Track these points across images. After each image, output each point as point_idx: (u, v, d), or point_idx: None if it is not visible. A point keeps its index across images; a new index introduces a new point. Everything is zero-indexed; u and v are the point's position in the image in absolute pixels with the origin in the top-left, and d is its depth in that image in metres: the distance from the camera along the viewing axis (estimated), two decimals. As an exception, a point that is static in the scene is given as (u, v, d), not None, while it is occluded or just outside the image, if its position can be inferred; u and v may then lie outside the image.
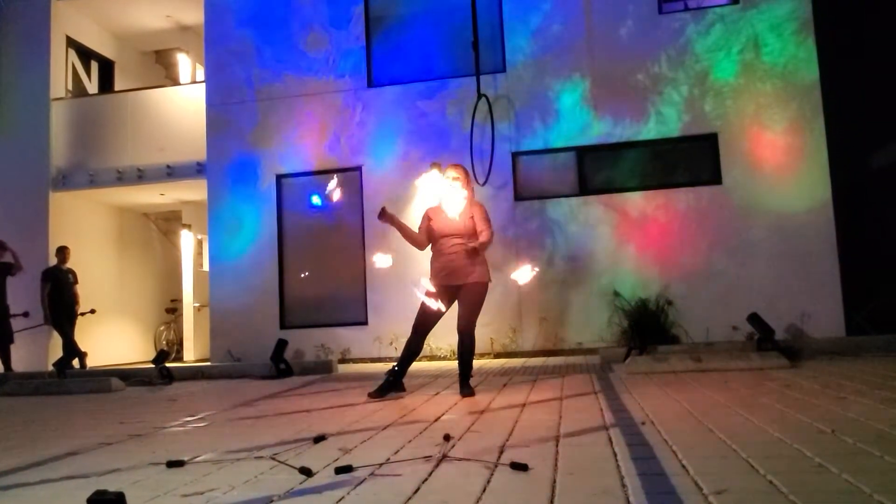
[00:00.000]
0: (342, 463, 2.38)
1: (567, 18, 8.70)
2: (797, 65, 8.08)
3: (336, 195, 5.85)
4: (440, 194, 4.76)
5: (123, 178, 10.21)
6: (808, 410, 3.13)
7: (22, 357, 9.05)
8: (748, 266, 7.89)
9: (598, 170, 8.52)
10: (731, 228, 8.00)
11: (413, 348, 4.59)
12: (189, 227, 11.30)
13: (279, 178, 9.35)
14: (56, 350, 9.14)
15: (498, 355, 8.18)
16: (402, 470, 2.31)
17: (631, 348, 6.31)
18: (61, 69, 10.80)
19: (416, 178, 8.00)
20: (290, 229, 9.33)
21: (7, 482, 2.49)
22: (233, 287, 9.25)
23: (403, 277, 8.54)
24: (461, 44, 8.83)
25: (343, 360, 8.46)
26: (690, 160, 8.38)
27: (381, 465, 2.39)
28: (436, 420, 3.44)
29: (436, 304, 4.45)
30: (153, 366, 7.14)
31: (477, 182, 8.08)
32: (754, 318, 6.18)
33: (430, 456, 2.48)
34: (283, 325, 9.00)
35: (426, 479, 2.16)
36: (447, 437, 2.77)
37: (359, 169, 9.03)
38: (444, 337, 7.05)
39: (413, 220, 5.27)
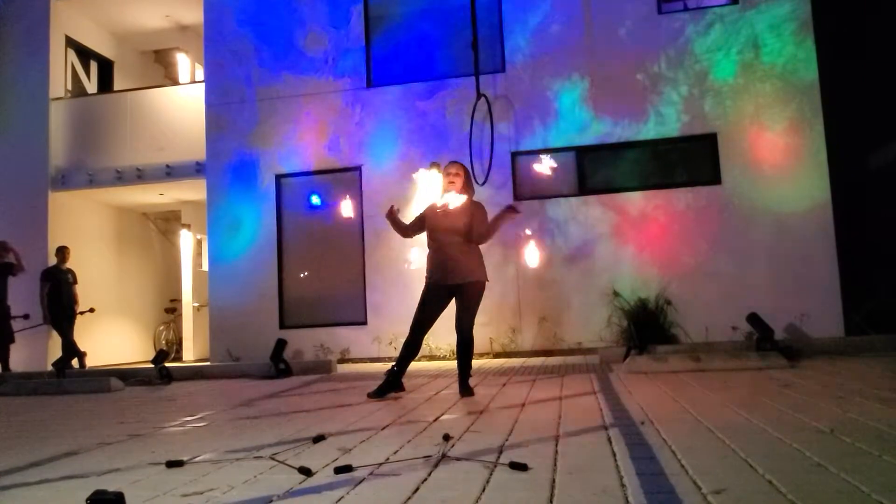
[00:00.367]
0: (341, 463, 2.38)
1: (566, 18, 8.70)
2: (796, 65, 8.08)
3: (345, 209, 5.83)
4: (439, 192, 4.75)
5: (123, 177, 10.21)
6: (807, 410, 3.14)
7: (21, 357, 9.05)
8: (747, 266, 7.89)
9: (597, 170, 8.52)
10: (730, 228, 8.00)
11: (411, 348, 4.58)
12: (188, 226, 11.30)
13: (278, 177, 9.34)
14: (55, 350, 9.14)
15: (497, 355, 8.18)
16: (402, 470, 2.31)
17: (630, 348, 6.31)
18: (60, 69, 10.80)
19: (416, 173, 8.12)
20: (289, 229, 9.33)
21: (6, 482, 2.49)
22: (232, 287, 9.25)
23: (403, 277, 8.57)
24: (461, 44, 8.83)
25: (342, 360, 8.46)
26: (690, 160, 8.39)
27: (380, 464, 2.39)
28: (435, 420, 3.44)
29: (433, 301, 4.46)
30: (152, 366, 7.14)
31: (476, 182, 8.08)
32: (753, 318, 6.18)
33: (430, 456, 2.48)
34: (282, 325, 9.00)
35: (425, 479, 2.16)
36: (446, 437, 2.77)
37: (358, 169, 9.03)
38: (443, 337, 7.05)
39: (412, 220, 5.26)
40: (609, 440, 2.67)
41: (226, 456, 2.74)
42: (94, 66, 11.69)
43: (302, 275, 9.26)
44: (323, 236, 9.22)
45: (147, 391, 6.24)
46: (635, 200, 8.29)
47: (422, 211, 4.82)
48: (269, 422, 3.77)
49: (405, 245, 8.29)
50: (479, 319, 4.61)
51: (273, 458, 2.55)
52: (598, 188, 8.43)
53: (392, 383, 4.57)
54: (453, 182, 4.60)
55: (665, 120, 8.32)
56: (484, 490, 2.00)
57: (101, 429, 3.79)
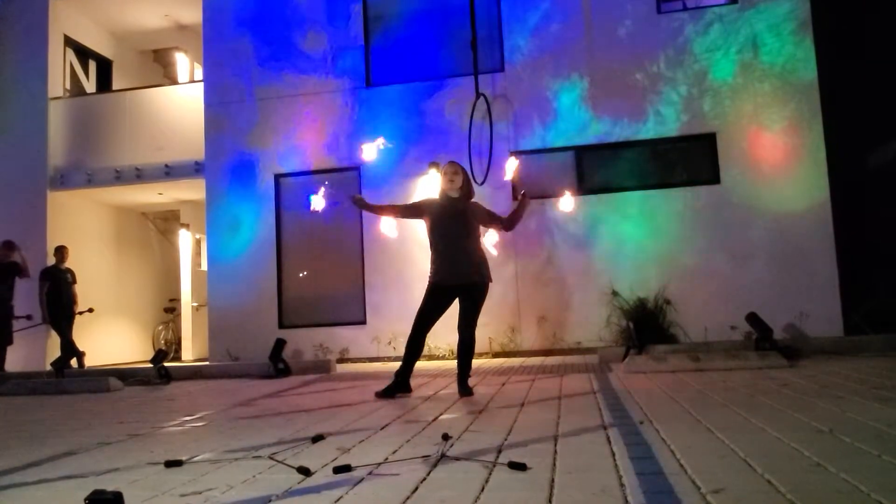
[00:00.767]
0: (340, 462, 2.38)
1: (566, 18, 8.70)
2: (795, 64, 8.09)
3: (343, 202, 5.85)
4: (438, 191, 4.74)
5: (121, 177, 10.20)
6: (806, 410, 3.14)
7: (20, 357, 9.04)
8: (746, 265, 7.89)
9: (596, 169, 8.52)
10: (729, 228, 8.01)
11: (414, 348, 4.59)
12: (187, 226, 11.29)
13: (277, 177, 9.34)
14: (54, 350, 9.13)
15: (496, 355, 8.18)
16: (401, 469, 2.31)
17: (629, 348, 6.31)
18: (59, 68, 10.79)
19: (415, 176, 8.13)
20: (288, 229, 9.32)
21: (5, 482, 2.48)
22: (231, 286, 9.24)
23: (402, 277, 8.56)
24: (460, 43, 8.83)
25: (341, 360, 8.46)
26: (689, 160, 8.39)
27: (379, 464, 2.39)
28: (434, 419, 3.44)
29: (437, 301, 4.46)
30: (151, 365, 7.13)
31: (476, 182, 8.08)
32: (752, 318, 6.18)
33: (429, 455, 2.48)
34: (281, 325, 8.99)
35: (424, 479, 2.16)
36: (446, 437, 2.77)
37: (357, 168, 9.02)
38: (443, 336, 7.03)
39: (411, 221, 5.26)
40: (608, 440, 2.67)
41: (224, 456, 2.74)
42: (92, 65, 11.68)
43: (301, 274, 9.26)
44: (322, 236, 9.21)
45: (146, 391, 6.24)
46: (634, 200, 8.29)
47: (420, 200, 4.79)
48: (267, 421, 3.77)
49: (405, 245, 8.29)
50: (479, 319, 4.61)
51: (272, 458, 2.55)
52: (597, 188, 8.43)
53: (400, 384, 4.58)
54: (452, 181, 4.60)
55: (664, 119, 8.32)
56: (483, 490, 2.00)
57: (99, 428, 3.79)
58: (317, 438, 2.94)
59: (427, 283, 4.62)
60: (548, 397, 4.14)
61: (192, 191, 10.39)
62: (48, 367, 8.36)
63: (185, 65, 12.49)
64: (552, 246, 8.35)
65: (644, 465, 2.20)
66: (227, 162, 9.49)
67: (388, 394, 4.51)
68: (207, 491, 2.15)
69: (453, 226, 4.54)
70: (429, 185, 8.29)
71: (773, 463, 2.12)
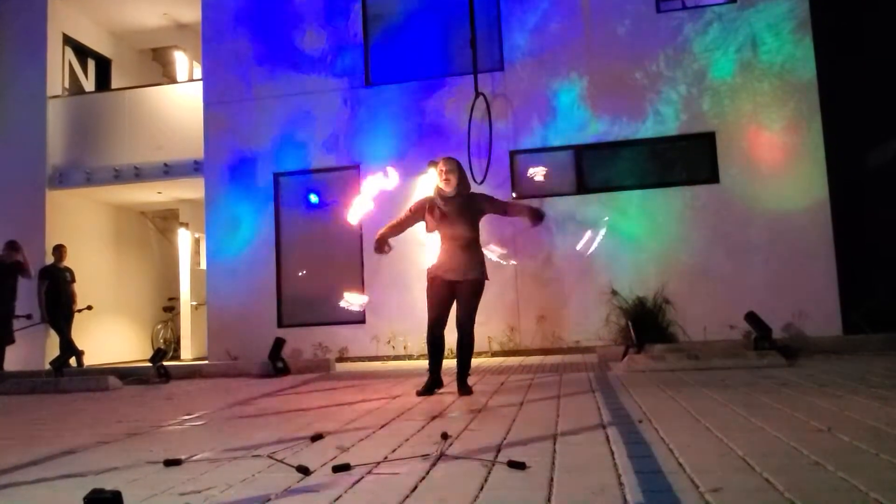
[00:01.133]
0: (340, 461, 2.38)
1: (565, 17, 8.70)
2: (795, 64, 8.09)
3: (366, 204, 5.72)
4: (434, 189, 4.74)
5: (120, 176, 10.19)
6: (805, 409, 3.14)
7: (19, 356, 9.02)
8: (745, 265, 7.89)
9: (596, 168, 8.52)
10: (728, 227, 8.01)
11: (434, 346, 4.60)
12: (186, 225, 11.28)
13: (277, 176, 9.33)
14: (53, 348, 9.12)
15: (496, 353, 8.18)
16: (400, 468, 2.31)
17: (628, 347, 6.31)
18: (58, 67, 10.77)
19: (415, 177, 8.11)
20: (287, 228, 9.32)
21: (4, 481, 2.48)
22: (230, 285, 9.24)
23: (401, 276, 8.56)
24: (459, 42, 8.83)
25: (341, 359, 8.46)
26: (688, 159, 8.39)
27: (378, 463, 2.39)
28: (433, 418, 3.44)
29: (437, 296, 4.48)
30: (150, 364, 7.13)
31: (475, 180, 8.08)
32: (751, 317, 6.18)
33: (428, 454, 2.48)
34: (280, 324, 8.99)
35: (424, 478, 2.16)
36: (445, 436, 2.77)
37: (357, 167, 9.02)
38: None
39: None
40: (607, 438, 2.68)
41: (224, 454, 2.74)
42: (91, 64, 11.66)
43: (300, 273, 9.25)
44: (321, 235, 9.21)
45: (145, 390, 6.24)
46: (634, 199, 8.29)
47: (416, 204, 4.79)
48: (267, 420, 3.77)
49: (404, 244, 8.26)
50: (478, 318, 4.61)
51: (271, 457, 2.55)
52: (596, 187, 8.43)
53: (435, 381, 4.60)
54: (448, 180, 4.58)
55: (663, 119, 8.32)
56: (482, 488, 2.00)
57: (98, 427, 3.79)
58: (316, 437, 2.94)
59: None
60: (547, 396, 4.14)
61: (191, 190, 10.38)
62: (47, 366, 8.35)
63: (185, 64, 12.47)
64: (551, 245, 8.35)
65: (643, 464, 2.21)
66: (227, 161, 9.48)
67: (427, 391, 4.52)
68: (206, 490, 2.15)
69: (452, 227, 4.55)
70: (428, 185, 8.27)
71: (771, 461, 2.12)
